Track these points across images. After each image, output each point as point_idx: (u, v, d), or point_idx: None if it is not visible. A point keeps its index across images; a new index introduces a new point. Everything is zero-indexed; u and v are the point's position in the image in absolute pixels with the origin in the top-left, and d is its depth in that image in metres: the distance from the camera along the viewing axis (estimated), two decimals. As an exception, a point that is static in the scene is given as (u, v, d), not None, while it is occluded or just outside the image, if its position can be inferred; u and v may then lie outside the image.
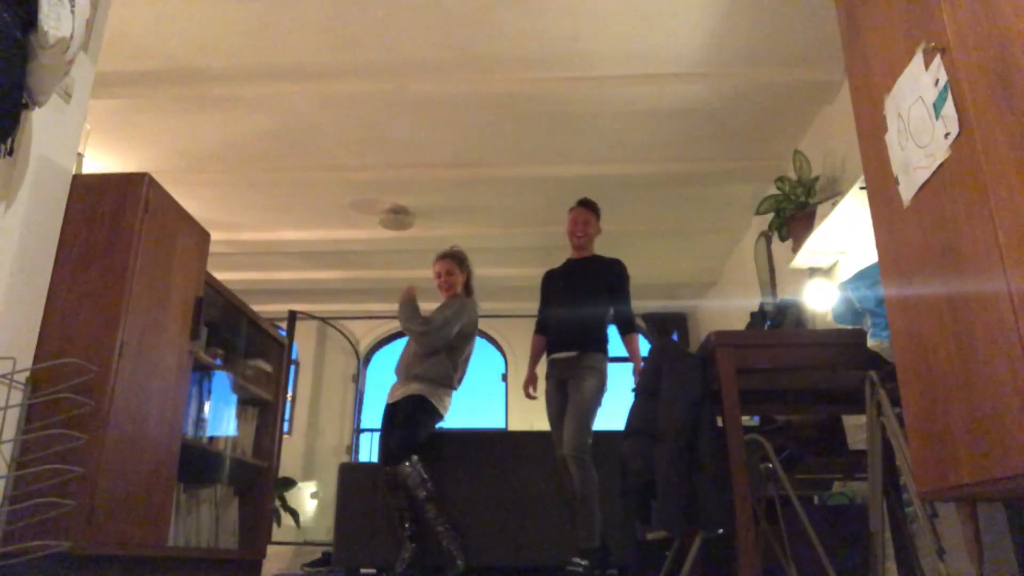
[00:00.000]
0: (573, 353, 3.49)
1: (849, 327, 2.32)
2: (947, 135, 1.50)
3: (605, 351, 3.57)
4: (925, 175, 1.60)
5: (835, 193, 3.61)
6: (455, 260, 3.92)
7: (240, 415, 3.59)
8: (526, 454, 3.69)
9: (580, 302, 3.60)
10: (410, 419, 3.59)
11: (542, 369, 3.70)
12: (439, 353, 3.68)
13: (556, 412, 3.46)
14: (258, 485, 3.59)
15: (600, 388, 3.46)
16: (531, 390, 3.73)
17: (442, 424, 3.85)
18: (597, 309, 3.61)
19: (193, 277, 2.81)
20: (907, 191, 1.70)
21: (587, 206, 3.78)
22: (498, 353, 7.26)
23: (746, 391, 2.56)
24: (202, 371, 3.22)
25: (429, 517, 3.41)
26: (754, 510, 2.26)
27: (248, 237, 5.50)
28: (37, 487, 2.05)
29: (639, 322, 7.13)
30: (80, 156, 3.11)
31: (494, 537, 3.35)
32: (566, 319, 3.59)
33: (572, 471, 3.24)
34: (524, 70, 3.62)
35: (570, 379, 3.45)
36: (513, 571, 3.50)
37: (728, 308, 6.02)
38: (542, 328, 3.78)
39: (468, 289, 3.94)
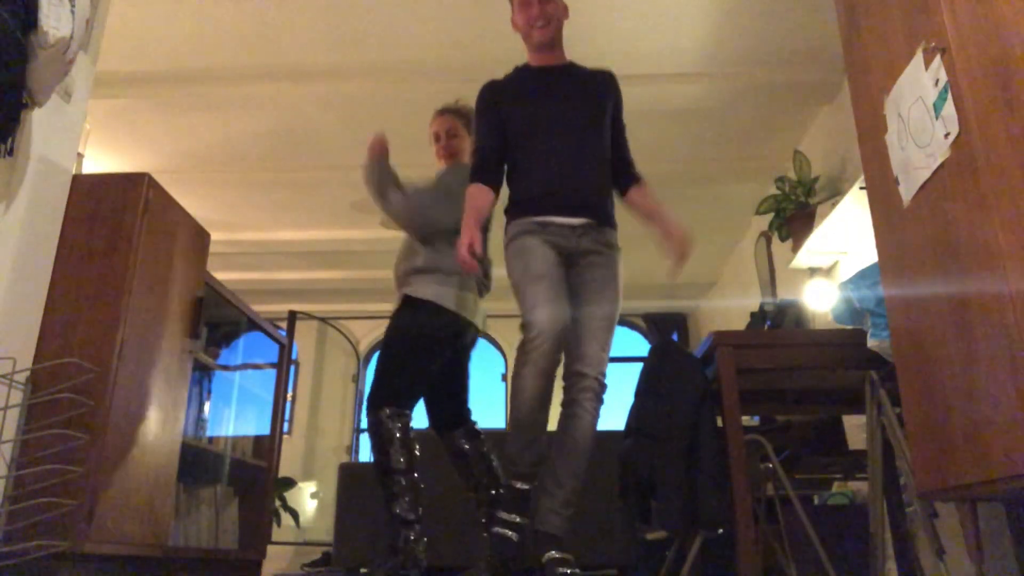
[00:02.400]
0: (587, 220, 2.26)
1: (849, 327, 2.32)
2: (947, 135, 1.50)
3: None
4: (925, 175, 1.60)
5: (835, 193, 3.61)
6: (461, 118, 2.81)
7: (240, 415, 3.60)
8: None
9: (584, 135, 2.31)
10: (396, 338, 2.50)
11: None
12: (441, 242, 2.58)
13: (557, 278, 2.16)
14: (258, 485, 3.59)
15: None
16: (477, 247, 2.12)
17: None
18: (606, 149, 2.37)
19: (193, 277, 2.81)
20: (907, 191, 1.70)
21: None
22: (498, 353, 7.27)
23: (746, 391, 2.56)
24: (202, 371, 3.22)
25: (393, 501, 2.36)
26: (754, 510, 2.26)
27: (248, 237, 5.50)
28: (37, 487, 2.05)
29: (638, 322, 7.13)
30: (80, 156, 3.11)
31: (494, 537, 3.34)
32: (569, 161, 2.28)
33: (586, 406, 2.15)
34: (524, 70, 3.62)
35: (586, 263, 2.26)
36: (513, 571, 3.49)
37: (728, 308, 6.01)
38: (491, 170, 2.32)
39: None
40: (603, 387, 2.20)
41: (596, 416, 2.18)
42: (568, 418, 2.17)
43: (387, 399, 2.43)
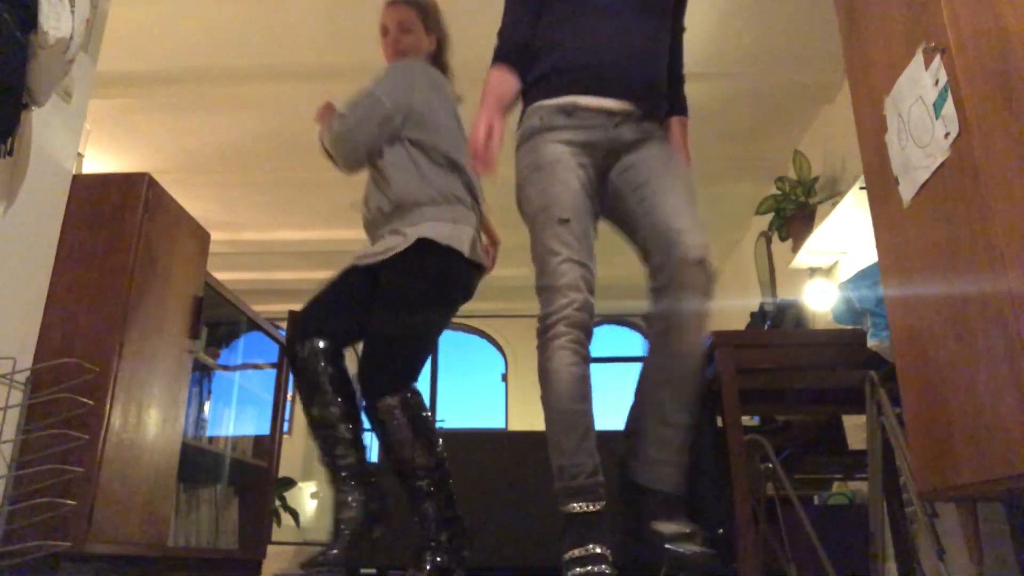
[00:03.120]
0: (627, 106, 1.74)
1: (849, 327, 2.32)
2: (947, 135, 1.50)
3: None
4: (925, 175, 1.60)
5: (835, 193, 3.61)
6: (417, 9, 2.27)
7: (240, 415, 3.60)
8: (526, 454, 3.69)
9: (640, 18, 1.80)
10: (408, 300, 1.94)
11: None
12: (404, 151, 2.08)
13: (586, 223, 1.68)
14: (258, 485, 3.59)
15: None
16: (497, 135, 1.66)
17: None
18: (667, 43, 1.92)
19: (193, 277, 2.81)
20: (907, 191, 1.69)
21: None
22: (498, 353, 7.27)
23: (746, 391, 2.56)
24: (202, 371, 3.22)
25: (423, 501, 1.96)
26: (754, 510, 2.26)
27: (248, 237, 5.50)
28: (37, 487, 2.05)
29: (638, 322, 7.12)
30: (80, 156, 3.11)
31: (494, 538, 3.35)
32: (617, 38, 1.75)
33: (691, 304, 1.56)
34: (524, 70, 3.62)
35: (629, 154, 1.76)
36: (514, 572, 3.50)
37: (728, 308, 6.02)
38: (517, 51, 1.82)
39: (439, 63, 2.32)
40: (714, 276, 1.58)
41: (706, 320, 1.56)
42: (668, 330, 1.58)
43: (393, 382, 1.93)
